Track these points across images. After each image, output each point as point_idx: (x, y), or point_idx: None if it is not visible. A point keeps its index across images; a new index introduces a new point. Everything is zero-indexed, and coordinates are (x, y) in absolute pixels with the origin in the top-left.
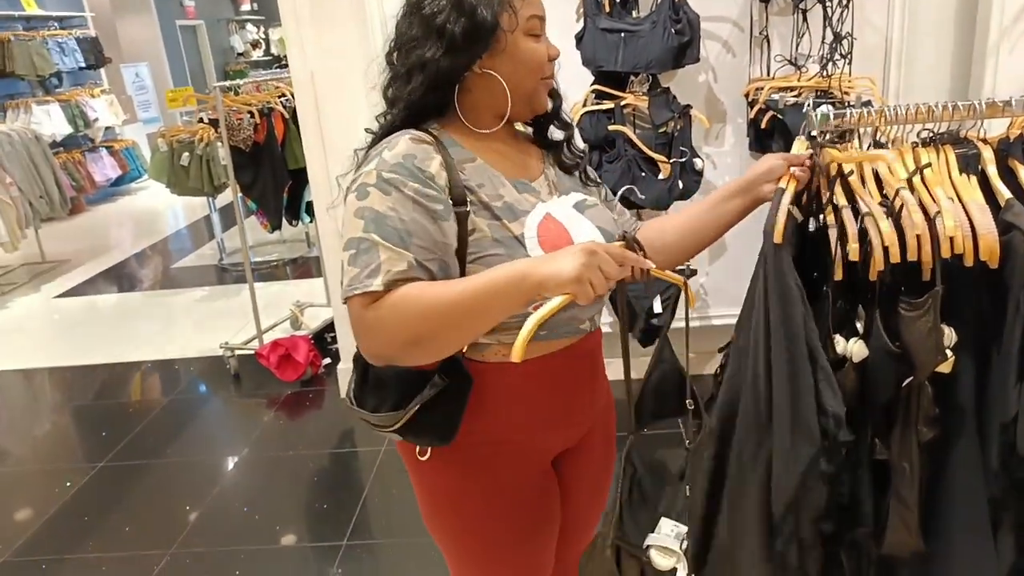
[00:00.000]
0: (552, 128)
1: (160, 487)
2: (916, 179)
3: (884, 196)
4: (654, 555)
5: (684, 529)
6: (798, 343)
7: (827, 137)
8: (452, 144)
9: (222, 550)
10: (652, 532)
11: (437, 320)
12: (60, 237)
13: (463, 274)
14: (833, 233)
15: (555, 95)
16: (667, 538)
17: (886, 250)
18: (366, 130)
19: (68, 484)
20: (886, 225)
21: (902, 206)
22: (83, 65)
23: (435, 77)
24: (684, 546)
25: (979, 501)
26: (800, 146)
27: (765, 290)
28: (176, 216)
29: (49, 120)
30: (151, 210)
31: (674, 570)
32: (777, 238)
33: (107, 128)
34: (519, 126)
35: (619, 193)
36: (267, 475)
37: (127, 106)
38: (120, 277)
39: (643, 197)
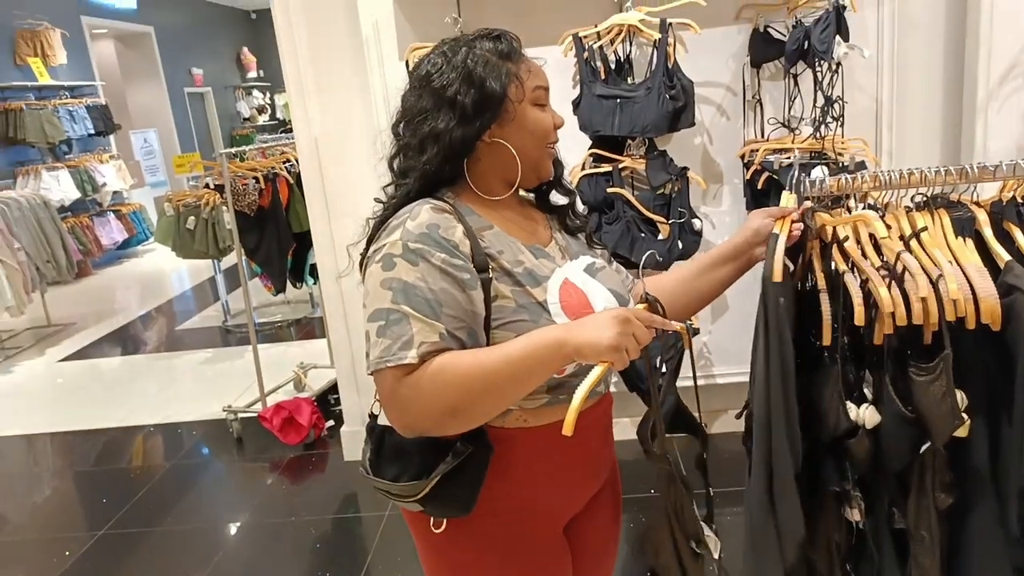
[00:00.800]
0: (554, 193)
1: (161, 555)
2: (913, 243)
3: (884, 260)
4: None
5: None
6: (789, 388)
7: (821, 203)
8: (469, 212)
9: None
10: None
11: (477, 390)
12: (66, 300)
13: (488, 342)
14: (824, 298)
15: (557, 163)
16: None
17: (892, 315)
18: (376, 200)
19: (67, 553)
20: (885, 292)
21: (904, 269)
22: (92, 132)
23: (449, 147)
24: (714, 527)
25: (1003, 569)
26: (788, 200)
27: (766, 345)
28: (181, 278)
29: (58, 185)
30: (157, 272)
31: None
32: (777, 276)
33: (115, 192)
34: (522, 193)
35: (644, 258)
36: (269, 542)
37: (135, 171)
38: (125, 339)
39: (644, 258)
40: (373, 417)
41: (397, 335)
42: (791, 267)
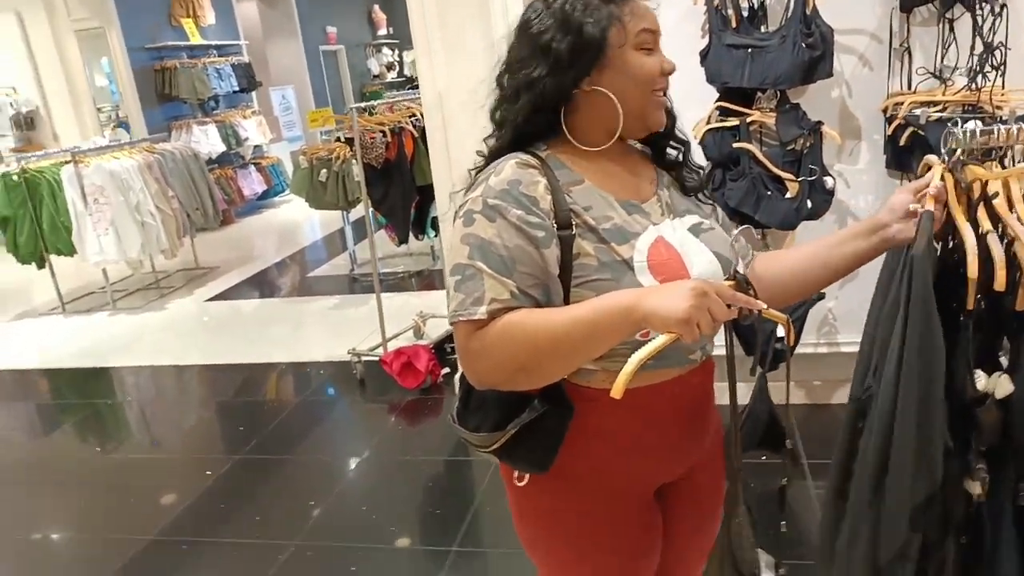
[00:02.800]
0: (670, 148)
1: (288, 482)
2: None
3: None
4: None
5: (771, 559)
6: (935, 383)
7: (973, 155)
8: (560, 166)
9: (340, 546)
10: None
11: (543, 349)
12: (212, 246)
13: (567, 300)
14: (972, 259)
15: (669, 114)
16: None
17: None
18: (478, 152)
19: (208, 473)
20: None
21: None
22: (237, 89)
23: (541, 97)
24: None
25: None
26: (935, 171)
27: (905, 317)
28: (313, 228)
29: (207, 139)
30: (292, 222)
31: None
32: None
33: (256, 146)
34: (636, 144)
35: (736, 233)
36: (386, 478)
37: (273, 126)
38: (262, 284)
39: (769, 217)
40: None
41: (471, 290)
42: (936, 249)
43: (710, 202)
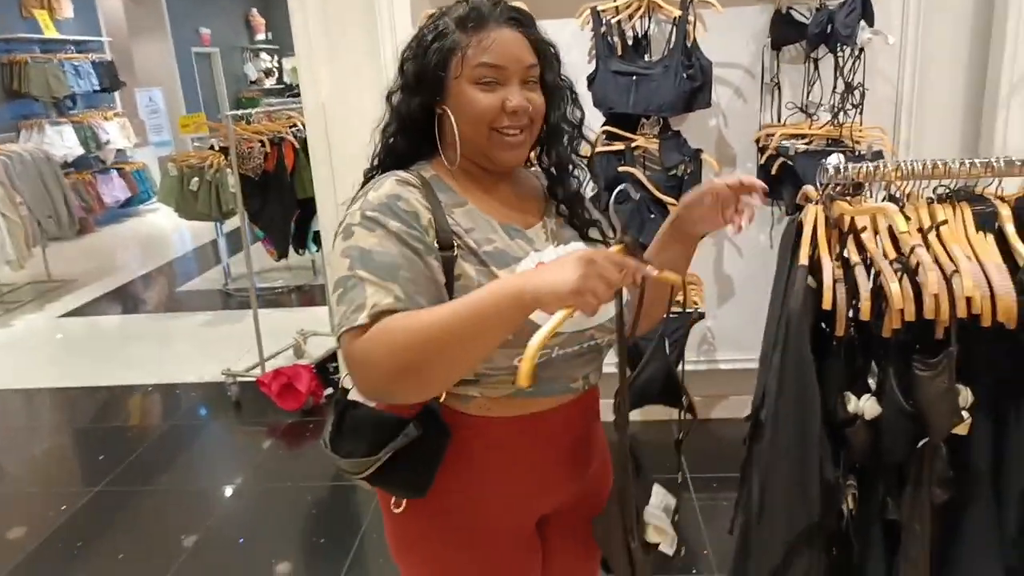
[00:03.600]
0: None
1: (156, 514)
2: (932, 235)
3: (900, 253)
4: (650, 532)
5: (673, 501)
6: (810, 422)
7: (838, 189)
8: (443, 188)
9: None
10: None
11: (429, 347)
12: (67, 257)
13: None
14: (841, 289)
15: (550, 150)
16: (659, 513)
17: (901, 310)
18: (364, 172)
19: (63, 508)
20: (896, 288)
21: (918, 263)
22: (97, 88)
23: (401, 119)
24: (675, 519)
25: (993, 568)
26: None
27: (782, 363)
28: (183, 239)
29: (62, 141)
30: (159, 233)
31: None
32: (803, 259)
33: (118, 150)
34: (535, 170)
35: (615, 194)
36: (264, 506)
37: (139, 129)
38: (125, 298)
39: (615, 194)
40: (344, 391)
41: (352, 300)
42: (812, 286)
43: (599, 239)
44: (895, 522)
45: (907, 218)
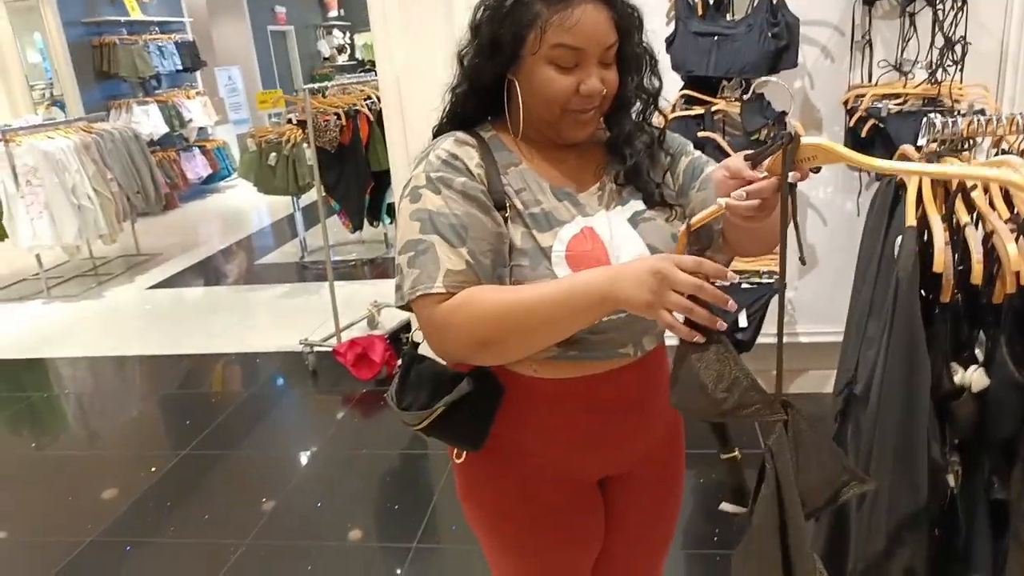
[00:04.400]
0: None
1: (238, 478)
2: None
3: (1014, 213)
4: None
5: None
6: (920, 397)
7: (947, 147)
8: (500, 147)
9: (294, 544)
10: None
11: (507, 325)
12: (154, 231)
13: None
14: (948, 252)
15: (619, 126)
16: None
17: (1017, 272)
18: (432, 129)
19: (153, 470)
20: (1013, 247)
21: None
22: (180, 68)
23: (474, 81)
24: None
25: None
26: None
27: (889, 332)
28: (261, 214)
29: (148, 119)
30: (238, 208)
31: None
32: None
33: (200, 128)
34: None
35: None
36: (340, 472)
37: (219, 107)
38: (207, 271)
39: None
40: (414, 345)
41: (425, 264)
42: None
43: (661, 202)
44: (1002, 502)
45: None
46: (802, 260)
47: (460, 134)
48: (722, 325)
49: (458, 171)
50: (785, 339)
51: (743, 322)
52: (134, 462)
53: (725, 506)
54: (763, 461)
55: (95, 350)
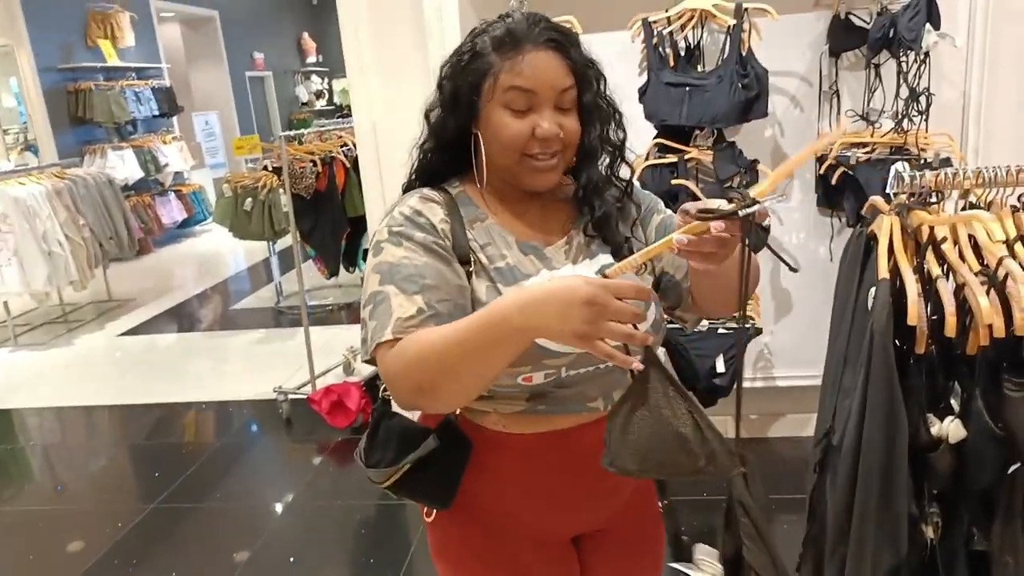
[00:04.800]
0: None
1: (208, 531)
2: (1018, 247)
3: (983, 264)
4: None
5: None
6: (898, 450)
7: (912, 198)
8: (466, 203)
9: None
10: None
11: (433, 366)
12: (127, 277)
13: None
14: (921, 304)
15: (593, 178)
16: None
17: (990, 325)
18: (402, 187)
19: (120, 524)
20: (985, 301)
21: (1006, 275)
22: (157, 113)
23: (439, 137)
24: None
25: None
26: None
27: (865, 384)
28: (237, 258)
29: (123, 165)
30: (214, 252)
31: None
32: (883, 272)
33: (176, 173)
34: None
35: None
36: (314, 524)
37: (196, 152)
38: (181, 317)
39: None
40: (385, 402)
41: (381, 314)
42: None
43: (626, 238)
44: (982, 553)
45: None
46: (793, 269)
47: (426, 191)
48: (656, 341)
49: (420, 227)
50: (762, 383)
51: (720, 367)
52: (100, 516)
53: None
54: (729, 511)
55: (62, 399)
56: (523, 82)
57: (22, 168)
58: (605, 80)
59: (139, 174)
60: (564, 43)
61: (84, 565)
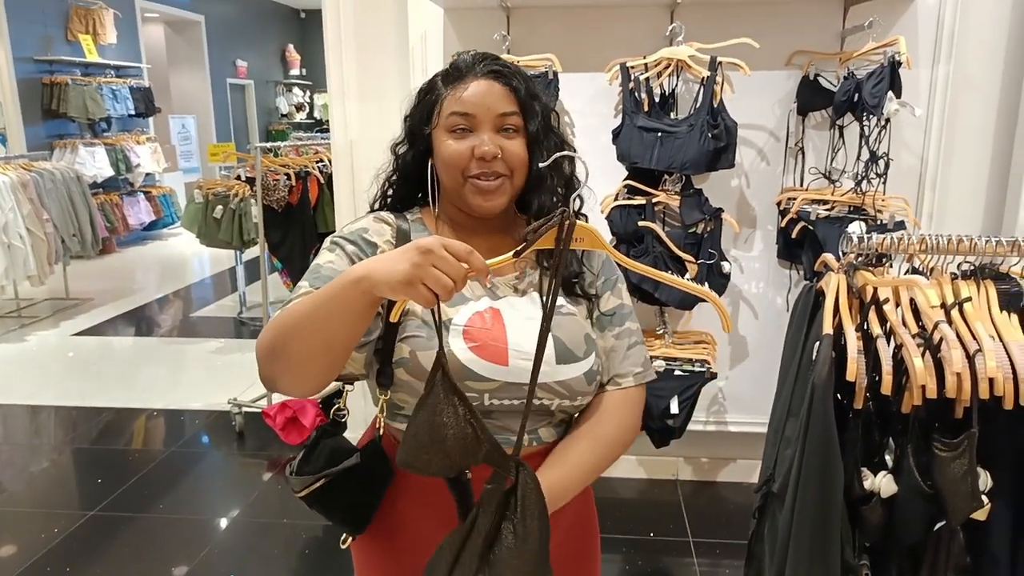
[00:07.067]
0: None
1: (148, 543)
2: (955, 312)
3: (921, 327)
4: None
5: None
6: (834, 501)
7: (860, 259)
8: (420, 230)
9: None
10: None
11: (285, 329)
12: (87, 275)
13: (391, 352)
14: (862, 360)
15: (545, 206)
16: None
17: (923, 386)
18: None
19: (56, 530)
20: (920, 363)
21: (941, 339)
22: (133, 113)
23: (401, 168)
24: None
25: None
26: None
27: (804, 435)
28: (203, 265)
29: (93, 161)
30: (179, 256)
31: None
32: (827, 327)
33: (147, 174)
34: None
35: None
36: (259, 541)
37: (169, 155)
38: (139, 320)
39: (668, 296)
40: (334, 422)
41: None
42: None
43: (581, 293)
44: None
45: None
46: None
47: (383, 214)
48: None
49: (355, 242)
50: (714, 427)
51: (675, 408)
52: (36, 520)
53: None
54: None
55: (8, 397)
56: (462, 107)
57: None
58: (557, 116)
59: (109, 172)
60: (507, 74)
61: (14, 570)
